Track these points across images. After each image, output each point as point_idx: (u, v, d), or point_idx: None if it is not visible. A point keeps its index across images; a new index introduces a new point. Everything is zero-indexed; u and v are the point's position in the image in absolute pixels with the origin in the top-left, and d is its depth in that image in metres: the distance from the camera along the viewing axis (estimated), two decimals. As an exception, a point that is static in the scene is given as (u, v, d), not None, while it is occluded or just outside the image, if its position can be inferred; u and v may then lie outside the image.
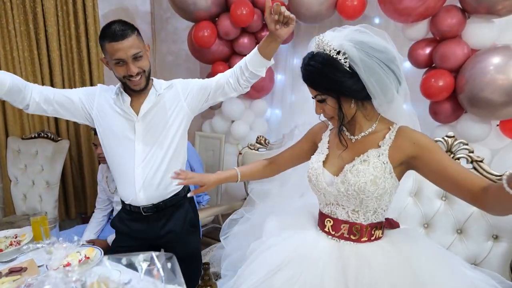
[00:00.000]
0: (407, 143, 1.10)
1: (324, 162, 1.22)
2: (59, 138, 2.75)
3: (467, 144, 1.51)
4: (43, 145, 2.69)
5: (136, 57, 1.43)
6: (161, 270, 0.94)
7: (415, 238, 1.20)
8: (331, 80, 1.08)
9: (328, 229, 1.21)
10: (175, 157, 1.59)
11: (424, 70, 2.40)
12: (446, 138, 1.53)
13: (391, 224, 1.26)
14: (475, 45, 2.21)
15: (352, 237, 1.17)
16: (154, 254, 0.96)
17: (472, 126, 2.25)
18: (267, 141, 2.17)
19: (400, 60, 1.13)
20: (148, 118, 1.55)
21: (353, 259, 1.11)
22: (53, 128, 2.88)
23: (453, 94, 2.26)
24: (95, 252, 1.37)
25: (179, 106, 1.58)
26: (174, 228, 1.62)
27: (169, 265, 0.96)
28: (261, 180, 1.66)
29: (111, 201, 2.24)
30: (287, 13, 1.31)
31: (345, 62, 1.06)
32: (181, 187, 1.62)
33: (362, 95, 1.10)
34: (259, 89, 3.03)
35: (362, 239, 1.16)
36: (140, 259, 0.96)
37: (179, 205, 1.65)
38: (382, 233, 1.20)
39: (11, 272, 1.26)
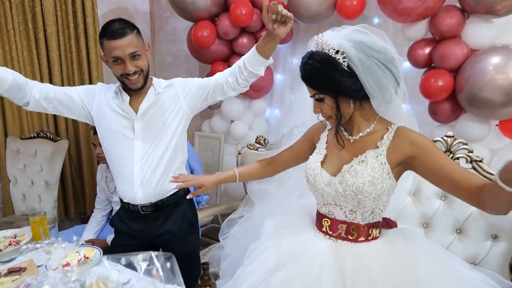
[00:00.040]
0: (405, 143, 1.10)
1: (322, 163, 1.22)
2: (58, 138, 2.74)
3: (466, 144, 1.51)
4: (42, 145, 2.68)
5: (133, 56, 1.43)
6: (160, 270, 0.94)
7: (412, 238, 1.19)
8: (330, 79, 1.08)
9: (326, 229, 1.21)
10: (174, 156, 1.59)
11: (424, 70, 2.40)
12: (445, 138, 1.53)
13: (388, 223, 1.27)
14: (475, 45, 2.21)
15: (349, 237, 1.17)
16: (153, 254, 0.96)
17: (471, 126, 2.25)
18: (266, 141, 2.17)
19: (399, 60, 1.13)
20: (147, 117, 1.55)
21: (350, 259, 1.11)
22: (52, 128, 2.87)
23: (452, 94, 2.26)
24: (94, 252, 1.37)
25: (178, 105, 1.58)
26: (172, 228, 1.62)
27: (168, 265, 0.96)
28: (260, 180, 1.66)
29: (110, 201, 2.24)
30: (284, 12, 1.30)
31: (344, 62, 1.06)
32: (180, 187, 1.62)
33: (360, 95, 1.10)
34: (259, 89, 3.03)
35: (359, 239, 1.16)
36: (139, 259, 0.96)
37: (178, 205, 1.65)
38: (379, 233, 1.21)
39: (10, 272, 1.26)
